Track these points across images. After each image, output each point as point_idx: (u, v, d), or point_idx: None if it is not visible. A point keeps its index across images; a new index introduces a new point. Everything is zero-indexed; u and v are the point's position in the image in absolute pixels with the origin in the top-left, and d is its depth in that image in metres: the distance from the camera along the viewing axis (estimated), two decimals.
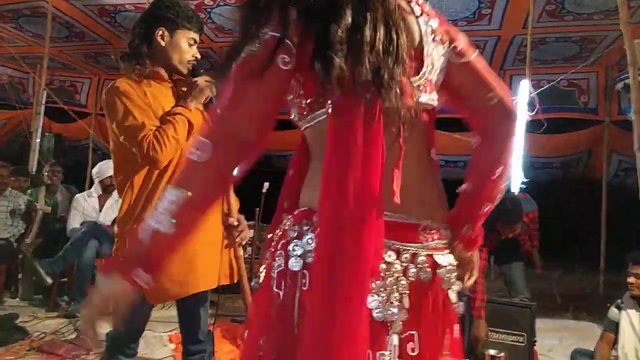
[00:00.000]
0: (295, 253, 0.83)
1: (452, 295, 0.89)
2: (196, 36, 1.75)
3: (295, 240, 0.84)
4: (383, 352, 0.78)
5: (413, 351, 0.82)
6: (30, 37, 5.97)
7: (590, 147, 6.10)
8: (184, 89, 1.74)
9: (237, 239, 1.81)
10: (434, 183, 0.91)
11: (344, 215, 0.75)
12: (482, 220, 1.00)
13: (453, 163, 5.94)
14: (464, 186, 1.00)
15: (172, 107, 1.66)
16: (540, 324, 3.38)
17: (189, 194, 0.80)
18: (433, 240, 0.87)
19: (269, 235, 0.96)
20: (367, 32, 0.77)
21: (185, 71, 1.73)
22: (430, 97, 0.88)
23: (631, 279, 2.66)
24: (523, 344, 2.83)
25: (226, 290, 4.30)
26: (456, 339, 0.90)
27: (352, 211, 0.75)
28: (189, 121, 1.64)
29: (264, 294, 0.89)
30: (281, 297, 0.83)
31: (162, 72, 1.72)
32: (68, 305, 3.72)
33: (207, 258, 1.68)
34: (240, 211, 1.93)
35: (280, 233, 0.90)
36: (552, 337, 3.55)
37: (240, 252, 1.95)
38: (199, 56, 1.76)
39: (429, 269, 0.84)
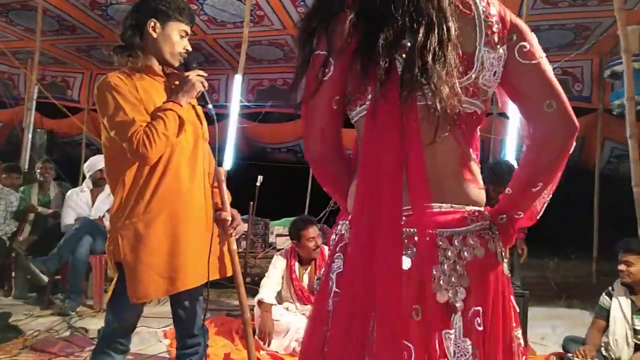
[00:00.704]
0: None
1: (505, 268, 0.95)
2: (187, 28, 1.74)
3: None
4: (448, 330, 0.86)
5: (480, 326, 0.87)
6: (21, 31, 5.91)
7: (583, 134, 6.11)
8: (177, 82, 1.73)
9: (232, 232, 1.84)
10: (473, 175, 0.95)
11: (374, 223, 0.85)
12: (518, 224, 0.99)
13: None
14: (506, 189, 1.00)
15: (164, 103, 1.66)
16: (533, 312, 3.40)
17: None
18: (477, 221, 0.92)
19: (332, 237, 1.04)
20: (418, 36, 0.82)
21: (176, 63, 1.72)
22: (471, 101, 0.90)
23: (621, 267, 2.67)
24: None
25: (221, 286, 4.32)
26: (515, 310, 0.96)
27: (383, 219, 0.85)
28: (179, 117, 1.63)
29: (324, 293, 0.96)
30: (340, 296, 0.91)
31: (155, 65, 1.71)
32: (62, 303, 3.70)
33: (195, 254, 1.68)
34: (235, 205, 1.94)
35: (338, 237, 0.99)
36: (545, 325, 3.58)
37: (234, 246, 1.95)
38: (189, 48, 1.76)
39: (481, 247, 0.90)
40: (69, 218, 4.03)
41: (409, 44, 0.83)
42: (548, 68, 0.92)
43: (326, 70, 0.90)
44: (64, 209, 4.12)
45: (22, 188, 4.59)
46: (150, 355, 2.75)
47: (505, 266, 0.95)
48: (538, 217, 1.01)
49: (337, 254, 0.96)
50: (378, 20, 0.85)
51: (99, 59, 6.86)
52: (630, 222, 2.91)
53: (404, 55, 0.83)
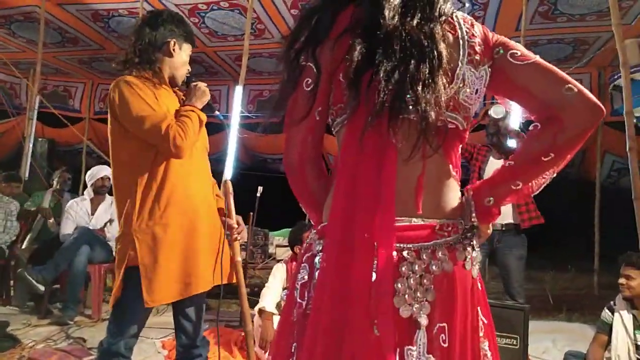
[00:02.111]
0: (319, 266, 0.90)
1: (474, 272, 0.94)
2: (191, 51, 1.88)
3: (320, 254, 0.91)
4: (410, 347, 0.84)
5: (445, 342, 0.86)
6: (23, 43, 5.95)
7: (584, 147, 6.13)
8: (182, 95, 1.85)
9: (237, 237, 1.91)
10: (451, 191, 0.94)
11: (347, 235, 0.85)
12: (507, 199, 0.97)
13: None
14: (506, 162, 0.97)
15: (181, 107, 1.75)
16: (534, 326, 3.38)
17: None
18: (450, 235, 0.91)
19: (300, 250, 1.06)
20: (410, 64, 0.84)
21: (180, 81, 1.84)
22: (452, 115, 0.91)
23: (622, 280, 2.66)
24: (517, 347, 2.83)
25: (219, 296, 4.29)
26: (484, 322, 0.95)
27: (357, 226, 0.84)
28: (199, 117, 1.73)
29: (289, 304, 0.96)
30: (303, 307, 0.91)
31: (166, 79, 1.80)
32: (60, 313, 3.68)
33: (205, 260, 1.73)
34: (235, 214, 1.99)
35: (306, 246, 0.98)
36: (546, 339, 3.55)
37: (239, 257, 1.98)
38: (189, 68, 1.89)
39: (449, 260, 0.89)
40: (67, 228, 4.02)
41: (399, 70, 0.84)
42: (548, 63, 0.93)
43: (310, 82, 0.92)
44: (63, 219, 4.12)
45: (36, 194, 4.61)
46: None
47: (475, 269, 0.94)
48: (531, 196, 1.00)
49: (303, 264, 0.96)
50: (370, 43, 0.86)
51: (100, 70, 6.90)
52: (631, 235, 2.90)
53: (393, 80, 0.83)
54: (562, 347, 3.24)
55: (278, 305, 3.25)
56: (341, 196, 0.89)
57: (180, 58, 1.80)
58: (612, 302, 2.78)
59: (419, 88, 0.83)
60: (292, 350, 0.90)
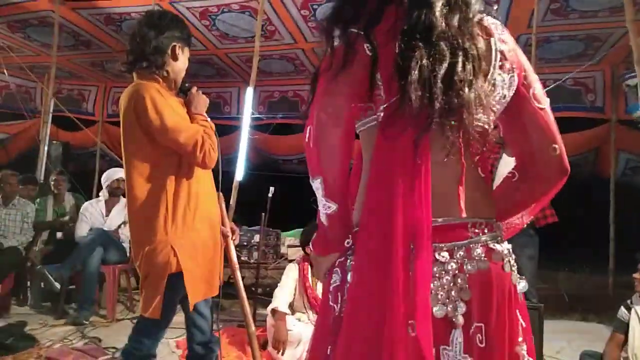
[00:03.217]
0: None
1: (514, 278, 0.93)
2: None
3: (351, 257, 0.91)
4: (446, 346, 0.84)
5: (482, 343, 0.85)
6: (38, 47, 6.05)
7: (597, 146, 6.05)
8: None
9: (233, 240, 2.01)
10: (482, 191, 0.96)
11: (385, 236, 0.83)
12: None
13: None
14: None
15: (190, 116, 1.77)
16: (549, 325, 3.35)
17: (321, 177, 0.90)
18: (484, 233, 0.92)
19: None
20: (457, 65, 0.84)
21: (179, 85, 1.85)
22: (482, 118, 0.91)
23: (636, 275, 2.64)
24: None
25: (233, 296, 4.32)
26: (522, 324, 0.94)
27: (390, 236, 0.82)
28: (212, 127, 1.78)
29: (323, 308, 0.97)
30: (336, 311, 0.91)
31: (173, 84, 1.83)
32: (76, 313, 3.73)
33: (217, 262, 1.81)
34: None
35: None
36: (561, 338, 3.51)
37: (235, 260, 2.09)
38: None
39: (485, 258, 0.89)
40: (82, 230, 4.08)
41: (446, 70, 0.83)
42: (551, 113, 1.00)
43: (369, 47, 0.86)
44: (78, 221, 4.18)
45: (37, 200, 4.66)
46: None
47: (515, 275, 0.93)
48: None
49: (335, 269, 0.95)
50: (417, 42, 0.84)
51: (113, 73, 6.99)
52: None
53: (439, 80, 0.82)
54: (577, 347, 3.20)
55: (290, 306, 3.26)
56: (376, 196, 0.87)
57: (182, 62, 1.82)
58: (629, 300, 2.74)
59: (465, 89, 0.84)
60: (328, 353, 0.90)
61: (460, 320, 0.85)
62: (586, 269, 6.48)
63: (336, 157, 0.89)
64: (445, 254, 0.87)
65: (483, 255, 0.89)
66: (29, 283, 4.22)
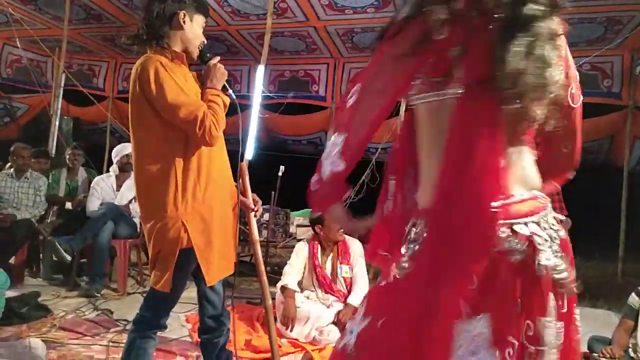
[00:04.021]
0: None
1: None
2: (205, 22, 1.81)
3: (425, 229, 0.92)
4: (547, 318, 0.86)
5: (563, 308, 0.89)
6: (49, 19, 6.01)
7: (612, 132, 5.95)
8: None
9: (255, 213, 1.96)
10: (534, 164, 0.98)
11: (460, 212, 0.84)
12: None
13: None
14: None
15: (204, 90, 1.72)
16: None
17: (343, 134, 0.94)
18: (547, 206, 0.95)
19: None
20: (534, 51, 0.85)
21: (195, 55, 1.78)
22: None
23: None
24: None
25: (242, 273, 4.35)
26: None
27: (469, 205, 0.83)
28: (223, 102, 1.72)
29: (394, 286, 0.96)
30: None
31: (182, 53, 1.75)
32: (87, 285, 3.79)
33: (231, 238, 1.80)
34: (256, 194, 2.02)
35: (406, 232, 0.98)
36: None
37: (257, 236, 2.00)
38: (205, 41, 1.82)
39: (560, 226, 0.93)
40: (93, 204, 4.12)
41: (535, 53, 0.84)
42: (581, 110, 1.01)
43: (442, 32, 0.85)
44: (89, 196, 4.22)
45: (52, 172, 4.71)
46: (173, 339, 2.79)
47: None
48: (558, 187, 1.12)
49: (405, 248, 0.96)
50: (515, 30, 0.85)
51: (124, 48, 6.94)
52: None
53: (529, 62, 0.83)
54: (586, 332, 3.20)
55: (299, 284, 3.29)
56: (452, 169, 0.86)
57: (192, 30, 1.73)
58: (639, 287, 2.73)
59: (549, 72, 0.86)
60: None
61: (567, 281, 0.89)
62: (596, 256, 6.46)
63: (367, 123, 0.93)
64: (535, 227, 0.88)
65: (556, 223, 0.93)
66: (41, 255, 4.29)
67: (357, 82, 0.92)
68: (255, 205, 1.96)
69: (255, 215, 1.98)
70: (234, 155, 1.90)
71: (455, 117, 0.87)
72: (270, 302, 2.12)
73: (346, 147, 0.93)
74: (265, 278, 2.11)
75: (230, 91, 1.83)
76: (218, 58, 1.79)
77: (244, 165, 1.97)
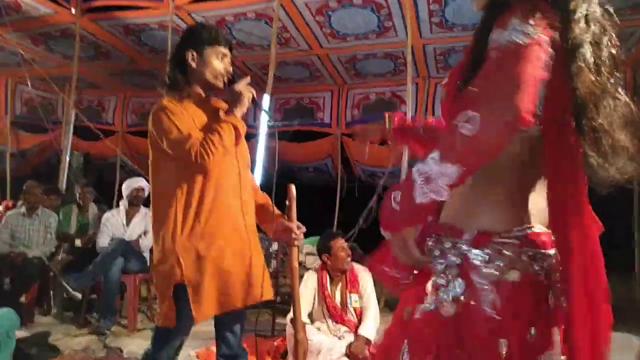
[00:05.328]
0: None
1: None
2: (225, 50, 1.81)
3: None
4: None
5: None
6: (59, 58, 6.18)
7: None
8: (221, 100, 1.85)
9: (296, 242, 1.89)
10: None
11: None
12: None
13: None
14: None
15: (219, 121, 1.75)
16: None
17: (462, 167, 0.85)
18: None
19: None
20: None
21: (220, 84, 1.80)
22: None
23: None
24: None
25: (250, 306, 4.28)
26: None
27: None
28: (234, 127, 1.72)
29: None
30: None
31: (199, 90, 1.80)
32: (97, 322, 3.77)
33: (240, 275, 1.72)
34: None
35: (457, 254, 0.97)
36: None
37: (296, 261, 1.96)
38: (230, 69, 1.82)
39: None
40: (103, 241, 4.13)
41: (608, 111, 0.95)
42: None
43: (546, 59, 0.87)
44: (99, 232, 4.24)
45: (63, 209, 4.76)
46: None
47: None
48: None
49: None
50: (594, 75, 0.95)
51: (132, 83, 7.10)
52: None
53: (604, 125, 0.93)
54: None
55: (309, 315, 3.24)
56: (556, 197, 0.94)
57: (203, 65, 1.76)
58: None
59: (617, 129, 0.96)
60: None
61: None
62: (611, 276, 6.29)
63: (487, 158, 0.86)
64: None
65: None
66: (52, 293, 4.29)
67: (478, 109, 0.84)
68: (298, 230, 1.89)
69: (296, 244, 1.90)
70: None
71: (550, 147, 0.93)
72: (302, 334, 2.04)
73: (458, 181, 0.85)
74: (300, 307, 2.00)
75: (263, 108, 1.87)
76: (247, 79, 1.80)
77: (292, 187, 1.93)
